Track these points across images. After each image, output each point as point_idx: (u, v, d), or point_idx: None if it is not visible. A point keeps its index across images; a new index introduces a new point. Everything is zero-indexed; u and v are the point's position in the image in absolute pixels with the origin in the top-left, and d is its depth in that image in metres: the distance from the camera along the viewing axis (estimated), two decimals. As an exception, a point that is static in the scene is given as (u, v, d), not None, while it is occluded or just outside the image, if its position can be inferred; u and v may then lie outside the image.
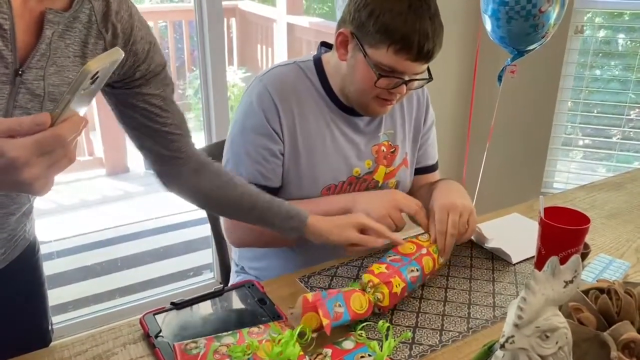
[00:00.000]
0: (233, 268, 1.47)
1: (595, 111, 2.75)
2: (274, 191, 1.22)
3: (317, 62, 1.26)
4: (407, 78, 1.14)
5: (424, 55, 1.09)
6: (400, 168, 1.34)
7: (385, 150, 1.31)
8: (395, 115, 1.33)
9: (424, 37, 1.07)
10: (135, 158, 4.19)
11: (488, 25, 2.09)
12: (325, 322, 0.91)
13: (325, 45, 1.30)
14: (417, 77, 1.15)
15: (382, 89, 1.14)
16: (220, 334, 0.92)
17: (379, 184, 1.31)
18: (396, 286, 1.01)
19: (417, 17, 1.07)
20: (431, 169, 1.44)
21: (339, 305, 0.95)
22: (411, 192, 1.40)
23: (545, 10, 1.94)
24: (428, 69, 1.18)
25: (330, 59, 1.24)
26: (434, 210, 1.16)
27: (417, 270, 1.07)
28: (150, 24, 4.69)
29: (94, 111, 3.95)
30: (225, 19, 3.07)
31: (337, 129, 1.25)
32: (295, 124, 1.21)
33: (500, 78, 2.21)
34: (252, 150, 1.21)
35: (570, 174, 2.86)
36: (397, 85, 1.14)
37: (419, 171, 1.42)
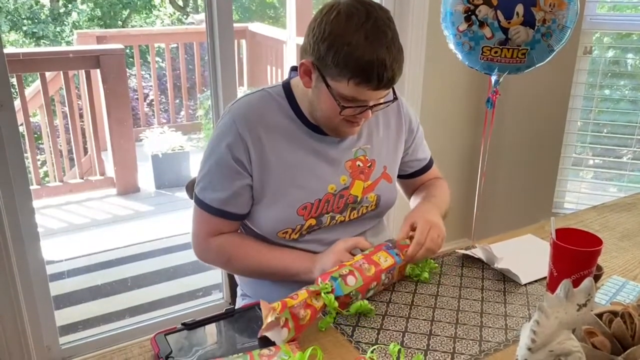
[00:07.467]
0: (238, 292, 1.47)
1: (605, 131, 2.74)
2: (241, 217, 1.27)
3: (286, 87, 1.27)
4: (371, 104, 1.15)
5: (385, 84, 1.10)
6: (379, 182, 1.34)
7: (361, 165, 1.30)
8: (372, 130, 1.33)
9: (382, 67, 1.07)
10: (145, 178, 4.22)
11: None
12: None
13: (296, 69, 1.29)
14: (382, 100, 1.17)
15: (348, 114, 1.16)
16: (231, 356, 0.91)
17: (358, 199, 1.30)
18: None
19: (374, 48, 1.06)
20: (427, 167, 1.48)
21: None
22: (412, 193, 1.50)
23: (464, 30, 1.91)
24: (393, 89, 1.20)
25: (299, 83, 1.23)
26: (415, 221, 1.23)
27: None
28: (162, 45, 4.80)
29: (105, 131, 4.01)
30: (235, 41, 3.10)
31: (309, 148, 1.26)
32: (266, 149, 1.21)
33: (488, 101, 2.20)
34: (217, 181, 1.23)
35: (580, 194, 2.85)
36: (363, 111, 1.16)
37: (418, 173, 1.47)
